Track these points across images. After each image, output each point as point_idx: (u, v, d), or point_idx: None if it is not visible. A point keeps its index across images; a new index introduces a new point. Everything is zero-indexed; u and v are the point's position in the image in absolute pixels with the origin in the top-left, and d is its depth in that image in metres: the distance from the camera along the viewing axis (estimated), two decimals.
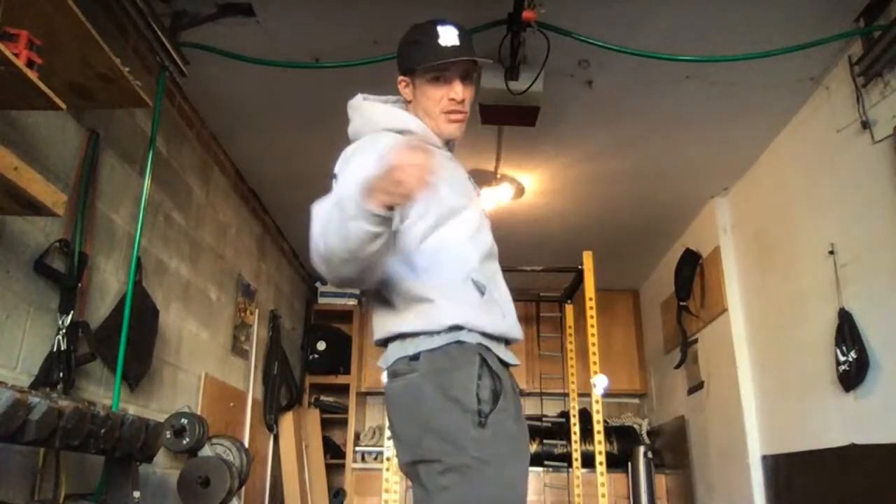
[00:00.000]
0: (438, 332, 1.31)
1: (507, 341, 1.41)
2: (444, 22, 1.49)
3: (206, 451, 3.03)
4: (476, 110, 3.02)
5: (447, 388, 1.26)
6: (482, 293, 1.36)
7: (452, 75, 1.48)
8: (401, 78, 1.53)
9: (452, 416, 1.25)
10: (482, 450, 1.23)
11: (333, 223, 1.18)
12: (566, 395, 4.97)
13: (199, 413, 3.29)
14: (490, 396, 1.27)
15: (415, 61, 1.48)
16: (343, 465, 5.74)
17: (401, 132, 1.48)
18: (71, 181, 2.37)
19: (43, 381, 2.14)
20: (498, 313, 1.38)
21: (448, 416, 1.25)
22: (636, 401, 6.45)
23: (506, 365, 1.38)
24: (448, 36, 1.46)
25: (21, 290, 2.11)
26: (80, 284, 2.34)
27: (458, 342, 1.30)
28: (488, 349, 1.32)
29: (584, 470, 4.59)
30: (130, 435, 2.12)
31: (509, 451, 1.27)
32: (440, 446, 1.25)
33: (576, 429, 4.61)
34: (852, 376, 2.84)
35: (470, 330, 1.31)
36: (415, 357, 1.31)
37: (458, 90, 1.48)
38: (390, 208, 1.16)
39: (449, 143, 1.58)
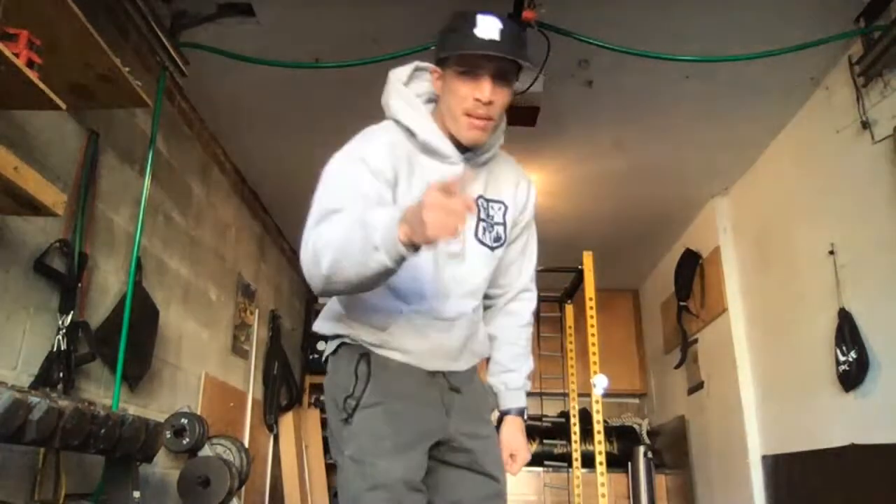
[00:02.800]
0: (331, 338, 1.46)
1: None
2: (488, 12, 1.31)
3: (206, 451, 3.03)
4: None
5: (330, 390, 1.43)
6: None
7: (484, 72, 1.31)
8: (432, 68, 1.41)
9: (332, 416, 1.41)
10: (349, 447, 1.34)
11: (353, 253, 1.14)
12: (566, 395, 4.97)
13: (199, 413, 3.29)
14: (360, 394, 1.37)
15: (445, 50, 1.34)
16: None
17: (407, 130, 1.40)
18: (71, 181, 2.37)
19: (43, 381, 2.14)
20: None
21: (331, 416, 1.42)
22: (636, 401, 6.46)
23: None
24: (488, 27, 1.29)
25: (21, 290, 2.11)
26: (80, 284, 2.34)
27: (343, 344, 1.43)
28: (373, 352, 1.40)
29: (584, 470, 4.59)
30: (130, 435, 2.12)
31: (372, 446, 1.32)
32: (332, 444, 1.45)
33: (576, 429, 4.61)
34: (852, 376, 2.84)
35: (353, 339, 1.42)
36: (326, 360, 1.49)
37: (486, 90, 1.31)
38: (416, 247, 1.11)
39: (476, 150, 1.42)
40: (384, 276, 1.17)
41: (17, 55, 1.65)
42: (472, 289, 1.46)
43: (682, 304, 4.79)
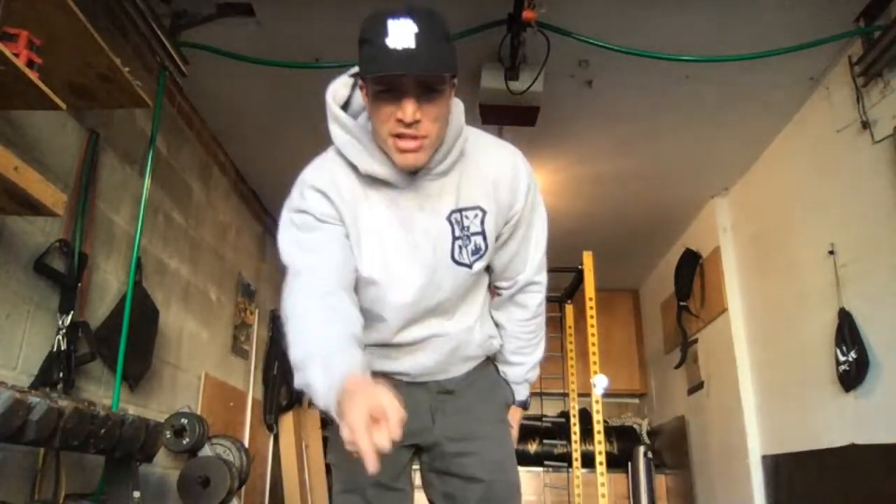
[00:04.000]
0: None
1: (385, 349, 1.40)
2: (398, 14, 1.12)
3: (206, 451, 3.03)
4: (476, 111, 3.01)
5: None
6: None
7: (404, 88, 1.12)
8: (360, 83, 1.22)
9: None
10: (330, 453, 1.43)
11: (307, 386, 1.09)
12: (566, 395, 4.97)
13: (199, 413, 3.29)
14: None
15: (359, 65, 1.17)
16: None
17: (349, 162, 1.28)
18: (71, 181, 2.37)
19: (43, 381, 2.14)
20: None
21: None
22: (636, 401, 6.46)
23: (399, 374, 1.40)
24: (399, 34, 1.10)
25: (21, 290, 2.11)
26: (80, 284, 2.34)
27: None
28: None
29: (584, 470, 4.59)
30: (130, 435, 2.12)
31: (342, 454, 1.27)
32: None
33: (576, 429, 4.61)
34: (852, 376, 2.84)
35: None
36: None
37: (408, 110, 1.12)
38: None
39: (427, 165, 1.24)
40: None
41: (17, 55, 1.65)
42: (447, 307, 1.37)
43: (682, 304, 4.79)
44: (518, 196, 1.34)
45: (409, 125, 1.14)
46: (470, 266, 1.33)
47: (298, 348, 1.13)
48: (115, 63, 2.00)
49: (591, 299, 4.11)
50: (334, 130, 1.30)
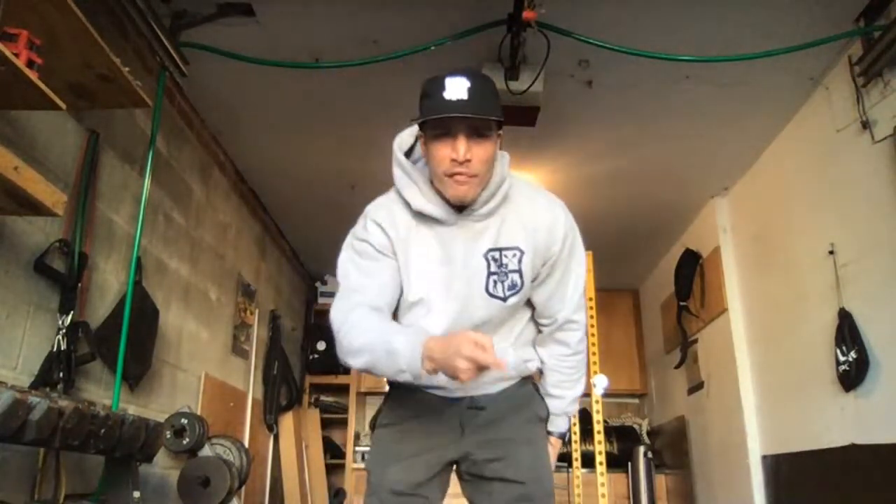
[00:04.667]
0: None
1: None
2: (456, 73, 1.35)
3: (206, 451, 3.03)
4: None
5: None
6: None
7: (457, 132, 1.34)
8: (419, 134, 1.45)
9: None
10: (368, 459, 1.64)
11: (384, 368, 1.32)
12: None
13: (199, 413, 3.29)
14: (378, 415, 1.64)
15: (419, 116, 1.37)
16: (343, 465, 5.75)
17: (405, 200, 1.48)
18: (71, 181, 2.37)
19: (43, 381, 2.14)
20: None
21: None
22: (636, 401, 6.45)
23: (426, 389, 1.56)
24: (455, 88, 1.32)
25: (21, 290, 2.11)
26: (80, 284, 2.34)
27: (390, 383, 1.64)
28: (397, 386, 1.61)
29: (584, 470, 4.59)
30: (130, 435, 2.12)
31: (376, 459, 1.57)
32: None
33: (576, 429, 4.60)
34: (852, 376, 2.84)
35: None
36: None
37: (461, 149, 1.33)
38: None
39: (472, 206, 1.45)
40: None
41: (17, 55, 1.65)
42: (485, 331, 1.47)
43: (682, 304, 4.79)
44: (556, 240, 1.49)
45: (461, 163, 1.34)
46: (504, 299, 1.48)
47: (360, 337, 1.34)
48: (115, 63, 2.00)
49: (590, 299, 4.11)
50: (395, 172, 1.50)
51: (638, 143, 3.78)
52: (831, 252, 3.06)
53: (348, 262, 1.51)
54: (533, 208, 1.51)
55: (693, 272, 4.68)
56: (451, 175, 1.36)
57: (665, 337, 5.51)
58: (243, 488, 3.50)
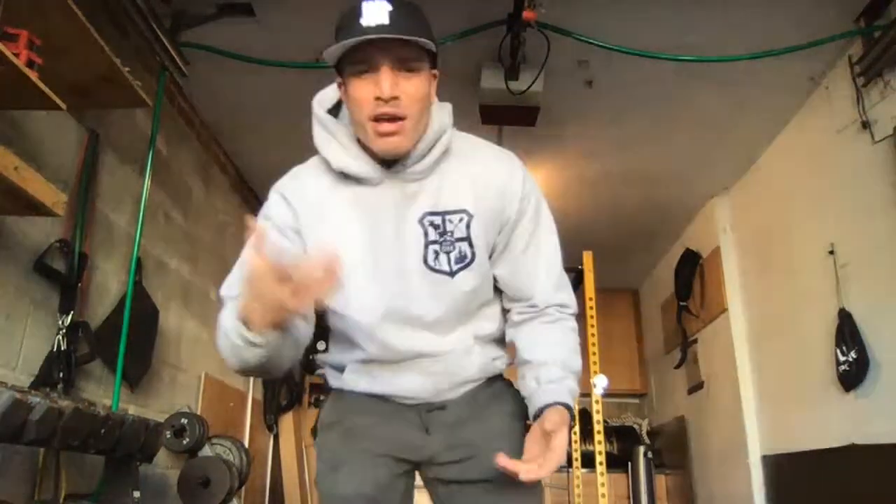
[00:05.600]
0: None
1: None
2: None
3: (206, 451, 3.03)
4: (476, 112, 3.01)
5: None
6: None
7: (378, 63, 1.08)
8: (338, 80, 1.19)
9: None
10: (317, 472, 1.32)
11: (229, 354, 1.04)
12: None
13: (199, 413, 3.29)
14: (322, 415, 1.35)
15: (331, 50, 1.11)
16: None
17: (325, 162, 1.22)
18: (71, 181, 2.37)
19: (43, 381, 2.14)
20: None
21: None
22: (636, 401, 6.45)
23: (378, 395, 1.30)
24: (373, 13, 1.07)
25: (21, 290, 2.11)
26: (80, 284, 2.34)
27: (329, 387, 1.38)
28: (339, 389, 1.33)
29: (584, 470, 4.59)
30: (130, 435, 2.12)
31: (323, 467, 1.29)
32: None
33: (576, 429, 4.60)
34: (852, 376, 2.84)
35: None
36: None
37: (385, 84, 1.07)
38: (278, 325, 0.97)
39: (404, 160, 1.17)
40: (264, 356, 1.02)
41: (17, 55, 1.65)
42: (439, 323, 1.24)
43: (682, 304, 4.79)
44: (512, 199, 1.23)
45: (387, 101, 1.08)
46: (451, 274, 1.20)
47: (220, 342, 1.06)
48: (115, 63, 2.00)
49: (591, 299, 4.10)
50: (315, 131, 1.24)
51: (638, 143, 3.78)
52: (831, 252, 3.06)
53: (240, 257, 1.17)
54: (483, 163, 1.24)
55: (693, 272, 4.68)
56: (377, 119, 1.10)
57: (665, 337, 5.51)
58: (243, 488, 3.50)
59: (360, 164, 1.18)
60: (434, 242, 1.20)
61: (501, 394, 1.32)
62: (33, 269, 2.16)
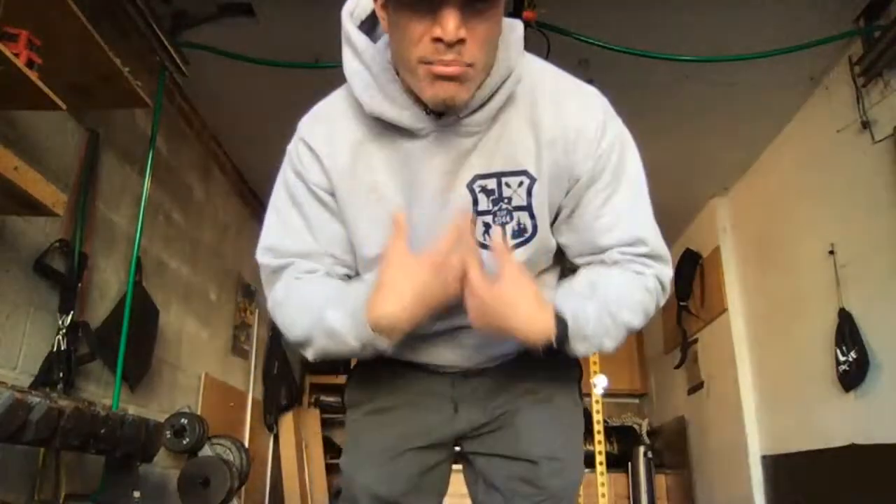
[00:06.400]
0: None
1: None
2: None
3: (206, 451, 3.03)
4: None
5: None
6: None
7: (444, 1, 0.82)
8: None
9: None
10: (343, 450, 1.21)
11: (340, 352, 0.97)
12: None
13: (199, 413, 3.29)
14: (347, 397, 1.20)
15: None
16: None
17: (356, 101, 0.99)
18: (71, 181, 2.37)
19: (43, 381, 2.14)
20: None
21: None
22: (636, 401, 6.45)
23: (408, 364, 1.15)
24: None
25: (21, 290, 2.11)
26: (80, 284, 2.34)
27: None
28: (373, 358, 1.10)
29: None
30: (130, 435, 2.12)
31: (347, 454, 1.17)
32: None
33: None
34: (852, 376, 2.84)
35: None
36: None
37: (450, 24, 0.82)
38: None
39: (457, 110, 0.93)
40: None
41: (17, 55, 1.65)
42: None
43: (682, 304, 4.79)
44: (584, 158, 1.00)
45: (450, 46, 0.83)
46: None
47: (297, 327, 0.99)
48: (115, 63, 2.00)
49: None
50: (345, 57, 0.99)
51: (638, 143, 3.77)
52: (831, 252, 3.06)
53: (275, 210, 1.08)
54: (554, 106, 0.99)
55: (693, 272, 4.68)
56: (430, 62, 0.86)
57: (665, 337, 5.51)
58: (243, 488, 3.49)
59: (402, 111, 0.94)
60: (485, 213, 0.99)
61: (549, 360, 1.06)
62: (33, 269, 2.16)
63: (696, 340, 4.77)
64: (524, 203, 0.98)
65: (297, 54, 2.96)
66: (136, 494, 2.27)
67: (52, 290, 2.26)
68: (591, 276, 1.03)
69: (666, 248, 1.10)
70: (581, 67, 3.08)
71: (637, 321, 1.01)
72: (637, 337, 6.33)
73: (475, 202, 0.98)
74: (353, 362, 1.22)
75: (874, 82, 2.78)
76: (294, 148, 1.08)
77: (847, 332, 2.87)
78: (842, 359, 2.89)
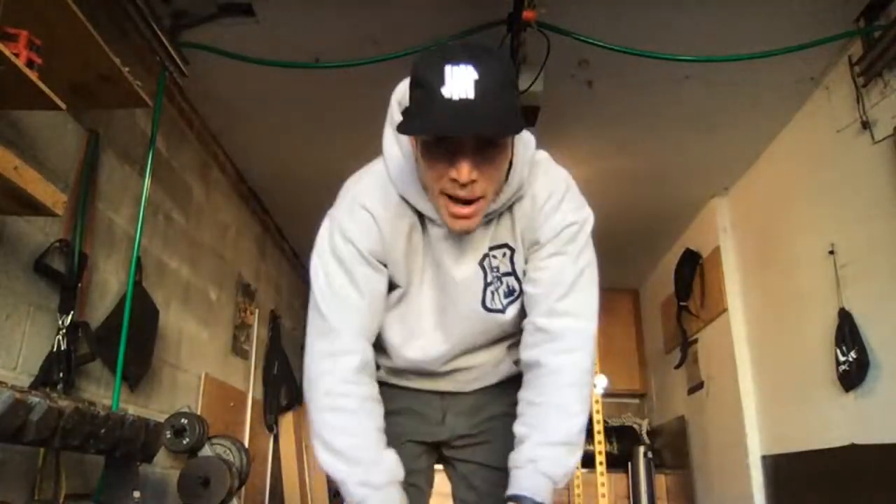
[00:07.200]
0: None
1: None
2: (459, 56, 0.97)
3: (206, 451, 3.03)
4: None
5: None
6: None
7: (459, 147, 1.00)
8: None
9: None
10: None
11: (334, 478, 1.15)
12: None
13: (199, 413, 3.29)
14: None
15: (409, 114, 1.03)
16: None
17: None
18: (71, 181, 2.37)
19: (43, 381, 2.14)
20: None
21: None
22: (636, 401, 6.45)
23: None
24: (458, 83, 0.95)
25: (21, 290, 2.11)
26: (80, 284, 2.34)
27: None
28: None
29: (584, 470, 4.59)
30: (130, 435, 2.12)
31: None
32: None
33: None
34: (852, 376, 2.83)
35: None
36: None
37: (464, 171, 1.00)
38: None
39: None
40: None
41: (17, 55, 1.65)
42: (477, 347, 1.30)
43: (682, 304, 4.79)
44: (543, 228, 1.18)
45: (463, 185, 1.02)
46: (503, 311, 1.21)
47: (340, 439, 1.13)
48: (115, 63, 2.00)
49: None
50: (389, 148, 1.15)
51: (638, 143, 3.78)
52: (831, 252, 3.06)
53: (322, 278, 1.17)
54: (531, 196, 1.20)
55: (693, 272, 4.68)
56: (448, 195, 1.05)
57: (665, 337, 5.51)
58: (243, 488, 3.49)
59: (426, 204, 1.13)
60: (490, 284, 1.20)
61: (515, 380, 1.32)
62: (33, 269, 2.16)
63: (696, 340, 4.77)
64: (509, 270, 1.21)
65: (297, 54, 2.96)
66: (136, 494, 2.26)
67: (52, 290, 2.26)
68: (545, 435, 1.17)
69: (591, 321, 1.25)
70: (581, 67, 3.08)
71: (581, 431, 1.17)
72: (637, 337, 6.34)
73: (485, 276, 1.20)
74: None
75: (874, 82, 2.78)
76: (347, 210, 1.19)
77: (847, 331, 2.87)
78: (842, 359, 2.89)
